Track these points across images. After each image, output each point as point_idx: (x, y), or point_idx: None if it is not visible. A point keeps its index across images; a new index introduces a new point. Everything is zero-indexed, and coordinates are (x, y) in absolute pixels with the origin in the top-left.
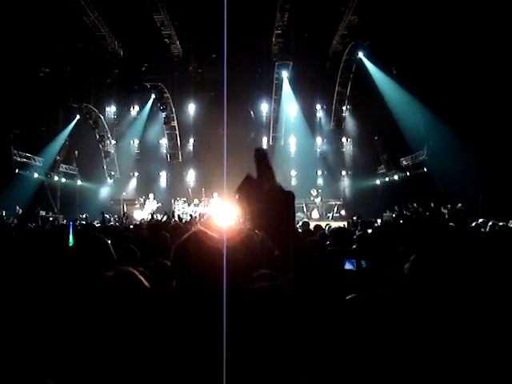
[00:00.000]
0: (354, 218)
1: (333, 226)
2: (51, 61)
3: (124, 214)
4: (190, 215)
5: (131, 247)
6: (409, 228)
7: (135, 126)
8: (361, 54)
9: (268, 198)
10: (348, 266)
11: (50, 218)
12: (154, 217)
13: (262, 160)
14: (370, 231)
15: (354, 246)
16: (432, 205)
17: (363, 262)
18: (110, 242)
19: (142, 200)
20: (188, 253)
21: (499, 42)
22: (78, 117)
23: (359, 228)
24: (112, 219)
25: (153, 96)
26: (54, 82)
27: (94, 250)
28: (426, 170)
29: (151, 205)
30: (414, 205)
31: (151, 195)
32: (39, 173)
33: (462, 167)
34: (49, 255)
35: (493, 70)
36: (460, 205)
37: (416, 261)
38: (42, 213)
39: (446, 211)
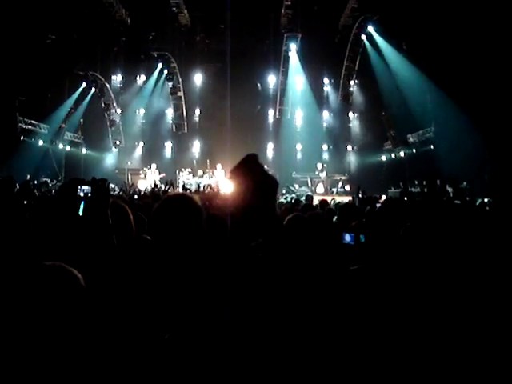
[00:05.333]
0: (360, 194)
1: (338, 201)
2: (58, 28)
3: (126, 183)
4: (198, 185)
5: (139, 214)
6: (413, 205)
7: (141, 96)
8: (370, 29)
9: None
10: (347, 240)
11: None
12: (158, 186)
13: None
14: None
15: (355, 222)
16: (438, 182)
17: (362, 237)
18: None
19: (146, 170)
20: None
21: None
22: (83, 85)
23: (364, 203)
24: (116, 188)
25: (159, 65)
26: (61, 49)
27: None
28: (432, 147)
29: (153, 175)
30: (423, 182)
31: (153, 165)
32: (44, 140)
33: (469, 146)
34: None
35: (504, 48)
36: (465, 183)
37: (409, 229)
38: (47, 180)
39: (451, 189)
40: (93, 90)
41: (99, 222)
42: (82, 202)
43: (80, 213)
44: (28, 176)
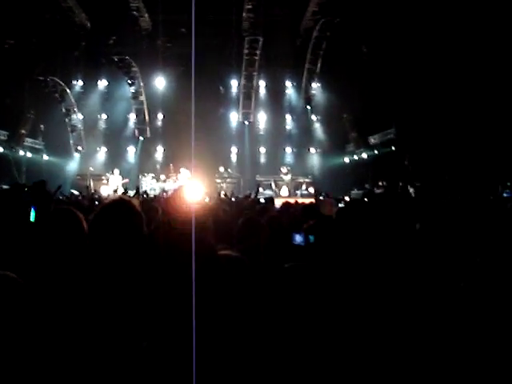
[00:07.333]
0: (321, 196)
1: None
2: (16, 32)
3: (88, 188)
4: (165, 190)
5: None
6: (374, 206)
7: (102, 101)
8: (331, 31)
9: None
10: (297, 241)
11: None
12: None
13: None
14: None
15: (311, 222)
16: (400, 184)
17: (311, 237)
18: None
19: (109, 175)
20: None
21: (470, 22)
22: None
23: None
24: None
25: (120, 70)
26: (19, 54)
27: (64, 225)
28: (394, 148)
29: (116, 180)
30: (384, 183)
31: (116, 171)
32: (3, 147)
33: (430, 147)
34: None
35: (464, 48)
36: (418, 184)
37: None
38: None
39: (412, 190)
40: (53, 95)
41: (39, 225)
42: (33, 209)
43: (32, 219)
44: None
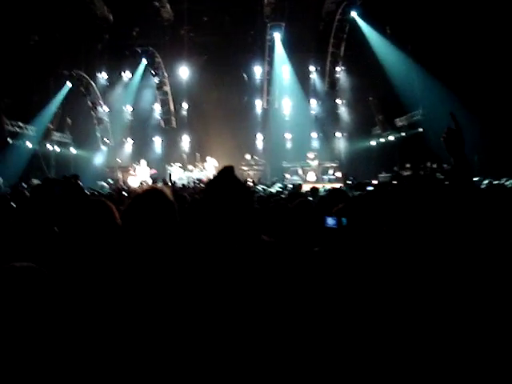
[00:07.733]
0: (349, 181)
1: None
2: (40, 28)
3: (114, 181)
4: (194, 181)
5: None
6: (403, 189)
7: (127, 92)
8: (354, 14)
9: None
10: (329, 223)
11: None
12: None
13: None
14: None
15: (341, 205)
16: (430, 164)
17: (344, 220)
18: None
19: (136, 166)
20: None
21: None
22: (69, 85)
23: (355, 189)
24: (106, 185)
25: (144, 61)
26: (44, 50)
27: (96, 216)
28: (421, 130)
29: (143, 171)
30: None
31: (143, 161)
32: (32, 142)
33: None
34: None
35: (490, 26)
36: (446, 165)
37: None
38: (37, 181)
39: (440, 172)
40: (78, 88)
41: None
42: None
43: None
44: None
